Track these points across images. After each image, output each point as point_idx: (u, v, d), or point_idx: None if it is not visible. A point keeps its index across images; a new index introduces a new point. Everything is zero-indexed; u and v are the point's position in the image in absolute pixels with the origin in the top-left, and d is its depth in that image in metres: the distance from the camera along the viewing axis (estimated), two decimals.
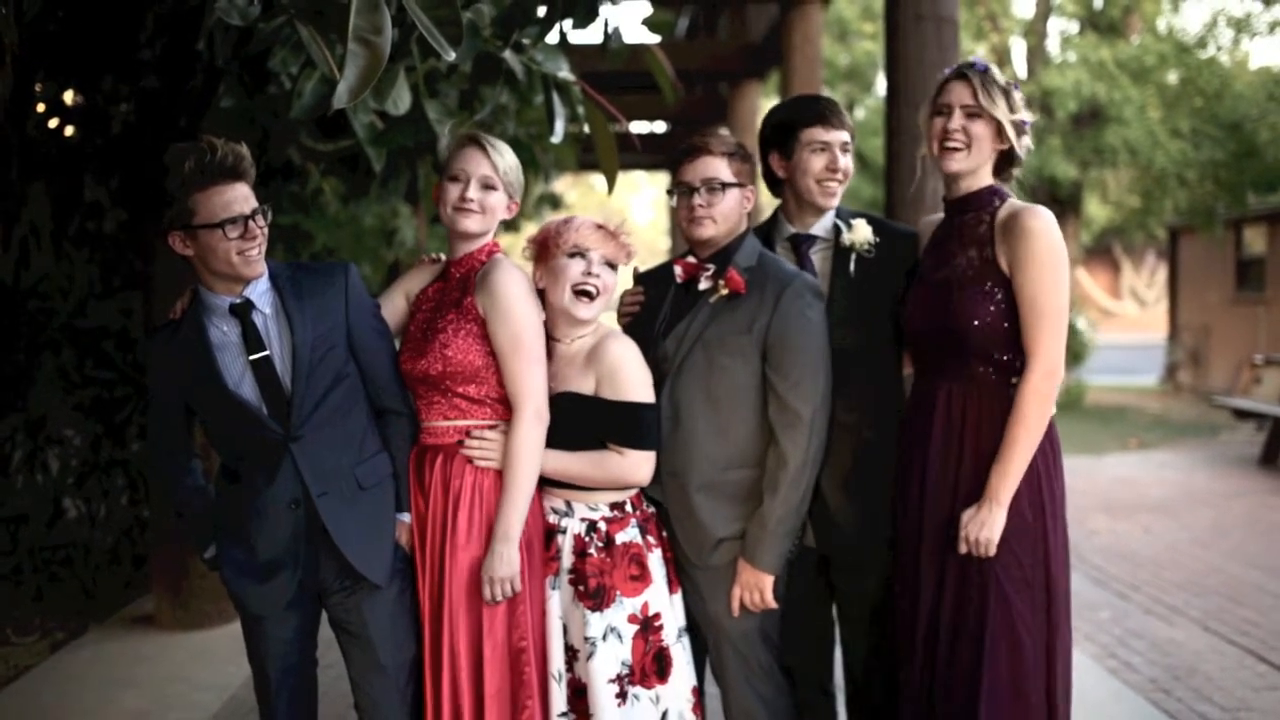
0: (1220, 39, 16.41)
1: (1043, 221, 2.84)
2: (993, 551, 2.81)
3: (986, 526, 2.81)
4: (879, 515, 3.14)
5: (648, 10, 10.06)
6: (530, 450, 2.84)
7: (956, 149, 2.93)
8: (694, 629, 3.09)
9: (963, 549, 2.85)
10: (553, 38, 4.24)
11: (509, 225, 3.19)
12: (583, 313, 2.92)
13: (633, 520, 2.95)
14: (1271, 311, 16.19)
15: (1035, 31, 17.66)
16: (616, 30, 4.86)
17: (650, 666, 2.89)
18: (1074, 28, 18.04)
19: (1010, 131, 2.92)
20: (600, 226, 2.93)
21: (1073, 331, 16.90)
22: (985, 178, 2.98)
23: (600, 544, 2.91)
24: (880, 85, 19.20)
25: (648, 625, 2.90)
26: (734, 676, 3.07)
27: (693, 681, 3.00)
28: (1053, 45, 17.96)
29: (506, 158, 2.97)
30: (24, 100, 5.31)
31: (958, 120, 2.92)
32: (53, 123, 5.77)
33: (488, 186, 2.94)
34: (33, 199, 5.94)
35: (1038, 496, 2.86)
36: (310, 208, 7.16)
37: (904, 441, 3.09)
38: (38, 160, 5.68)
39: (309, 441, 2.81)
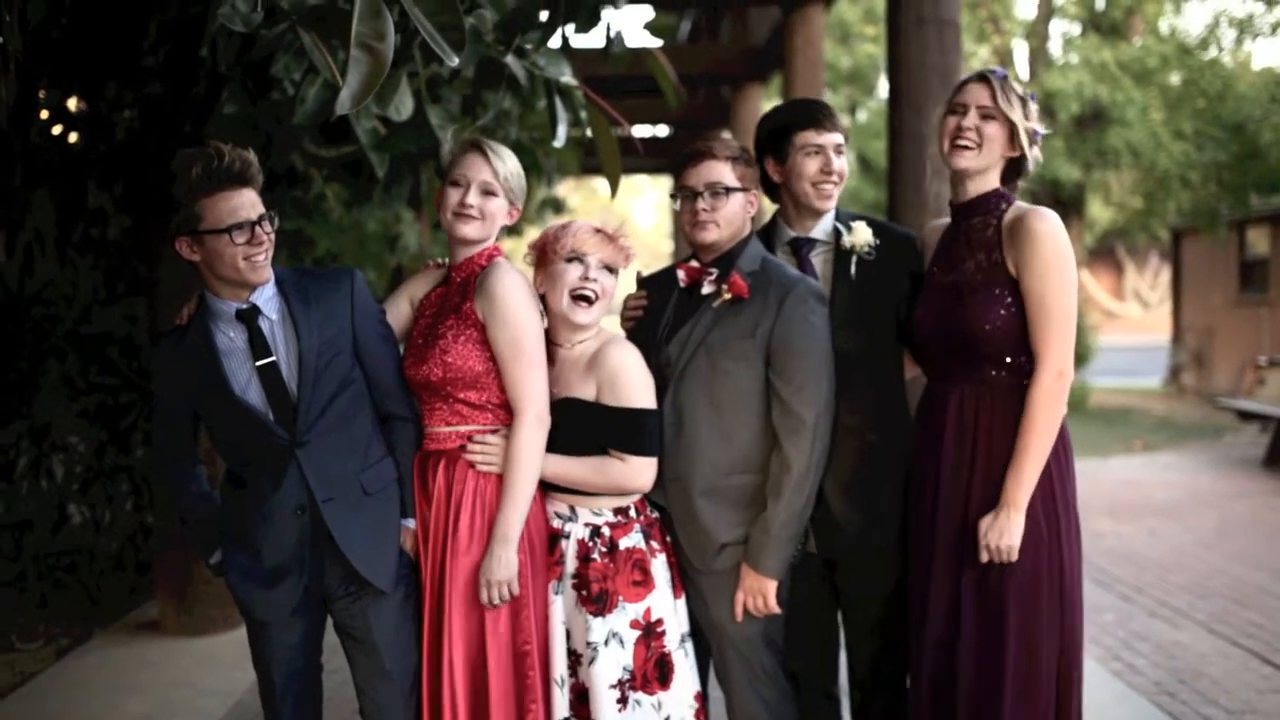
0: (1223, 40, 16.40)
1: (1049, 224, 2.84)
2: (1014, 557, 2.82)
3: (1006, 533, 2.82)
4: (883, 518, 3.14)
5: (650, 14, 10.05)
6: (530, 454, 2.84)
7: (967, 147, 2.94)
8: (698, 633, 3.09)
9: (984, 557, 2.85)
10: (555, 42, 4.25)
11: (511, 229, 3.19)
12: (581, 317, 2.92)
13: (636, 525, 2.95)
14: (1275, 313, 16.17)
15: (1037, 33, 17.67)
16: (619, 34, 4.86)
17: (652, 672, 2.89)
18: (1076, 29, 18.05)
19: (1024, 139, 2.93)
20: (598, 230, 2.93)
21: (1077, 332, 16.90)
22: (992, 181, 2.99)
23: (604, 549, 2.91)
24: (882, 88, 19.21)
25: (650, 631, 2.90)
26: (738, 681, 3.07)
27: (696, 687, 2.99)
28: (1055, 47, 17.99)
29: (508, 163, 2.97)
30: (28, 107, 5.32)
31: (972, 119, 2.93)
32: (56, 129, 5.78)
33: (488, 192, 2.94)
34: (37, 206, 5.95)
35: (1051, 500, 2.87)
36: (313, 213, 7.17)
37: (916, 447, 3.09)
38: (41, 167, 5.69)
39: (314, 447, 2.82)
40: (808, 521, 3.02)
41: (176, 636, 5.47)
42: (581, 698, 2.91)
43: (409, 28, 2.82)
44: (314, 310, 2.83)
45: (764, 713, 3.06)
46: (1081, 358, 16.98)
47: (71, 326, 6.17)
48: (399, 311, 3.09)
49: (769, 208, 3.36)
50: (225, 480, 2.95)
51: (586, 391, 2.92)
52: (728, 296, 2.97)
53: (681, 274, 3.08)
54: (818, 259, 3.21)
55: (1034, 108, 2.97)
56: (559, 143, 4.33)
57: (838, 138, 3.15)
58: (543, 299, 2.96)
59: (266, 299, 2.81)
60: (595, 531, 2.94)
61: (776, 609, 2.98)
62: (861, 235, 3.15)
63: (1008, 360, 2.89)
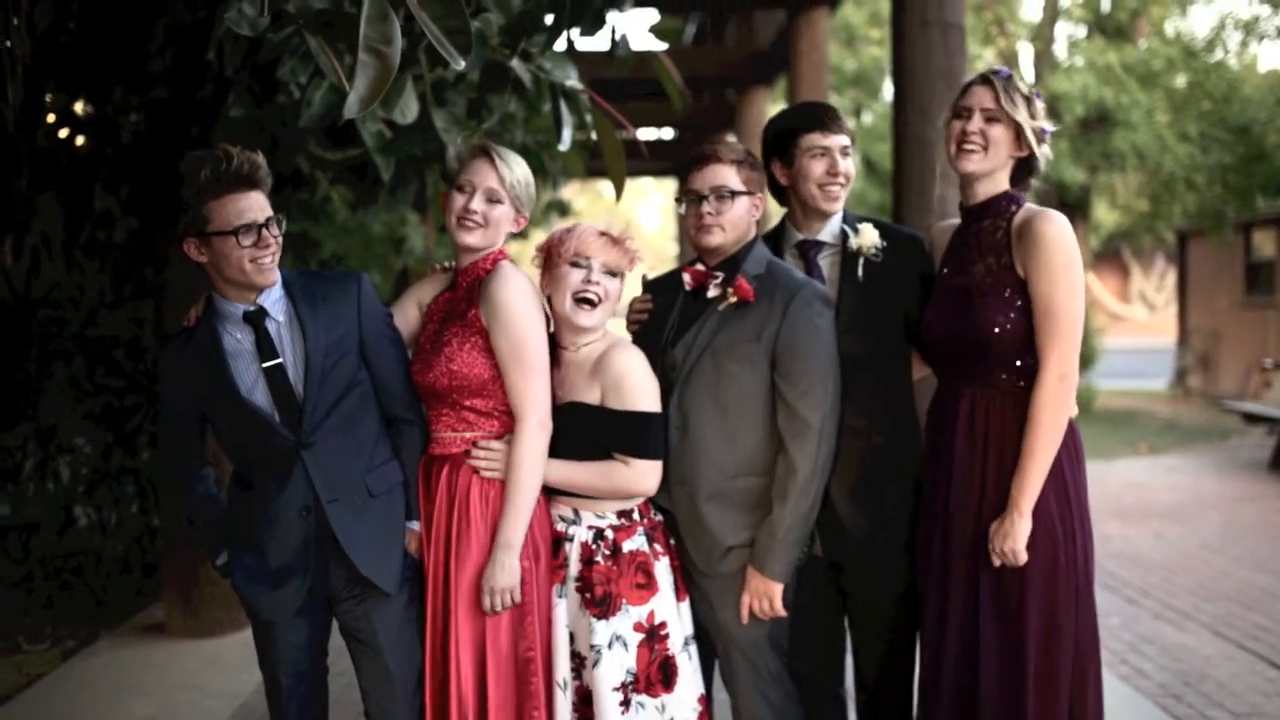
0: (1228, 42, 16.37)
1: (1057, 226, 2.85)
2: (1023, 560, 2.82)
3: (1011, 537, 2.82)
4: (889, 521, 3.14)
5: (655, 17, 10.07)
6: (533, 460, 2.84)
7: (973, 150, 2.94)
8: (702, 635, 3.09)
9: (996, 562, 2.85)
10: (560, 45, 4.25)
11: (518, 232, 3.19)
12: (584, 320, 2.92)
13: (640, 528, 2.96)
14: None
15: (1043, 36, 17.65)
16: (624, 37, 4.87)
17: (656, 675, 2.89)
18: (1081, 32, 18.03)
19: (1030, 137, 2.93)
20: (603, 233, 2.93)
21: (1082, 335, 16.87)
22: (1001, 183, 2.99)
23: (607, 552, 2.92)
24: (887, 91, 19.19)
25: (653, 634, 2.90)
26: (743, 683, 3.07)
27: (699, 690, 2.99)
28: (1060, 50, 17.94)
29: (516, 170, 2.96)
30: (35, 110, 5.34)
31: (976, 123, 2.93)
32: (63, 133, 5.79)
33: (493, 199, 2.93)
34: (43, 209, 5.97)
35: (1065, 500, 2.87)
36: (319, 215, 7.18)
37: (927, 450, 3.09)
38: (48, 170, 5.71)
39: (320, 449, 2.82)
40: (813, 524, 3.03)
41: (182, 638, 5.47)
42: (585, 700, 2.91)
43: (415, 31, 2.82)
44: (321, 312, 2.83)
45: (769, 715, 3.05)
46: (1087, 360, 16.95)
47: (78, 329, 6.19)
48: (406, 316, 3.09)
49: (775, 212, 3.37)
50: (232, 482, 2.96)
51: (591, 395, 2.92)
52: (733, 300, 2.97)
53: (687, 277, 3.09)
54: (825, 261, 3.21)
55: (1040, 105, 2.97)
56: (564, 146, 4.34)
57: (843, 140, 3.16)
58: (549, 300, 2.97)
59: (274, 301, 2.82)
60: (598, 534, 2.94)
61: (782, 612, 2.98)
62: (868, 237, 3.15)
63: (1017, 363, 2.89)
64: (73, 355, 6.17)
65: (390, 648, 2.94)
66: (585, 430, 2.92)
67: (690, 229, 3.08)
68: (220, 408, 2.84)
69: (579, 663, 2.92)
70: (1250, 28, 16.08)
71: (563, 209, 13.79)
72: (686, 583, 3.04)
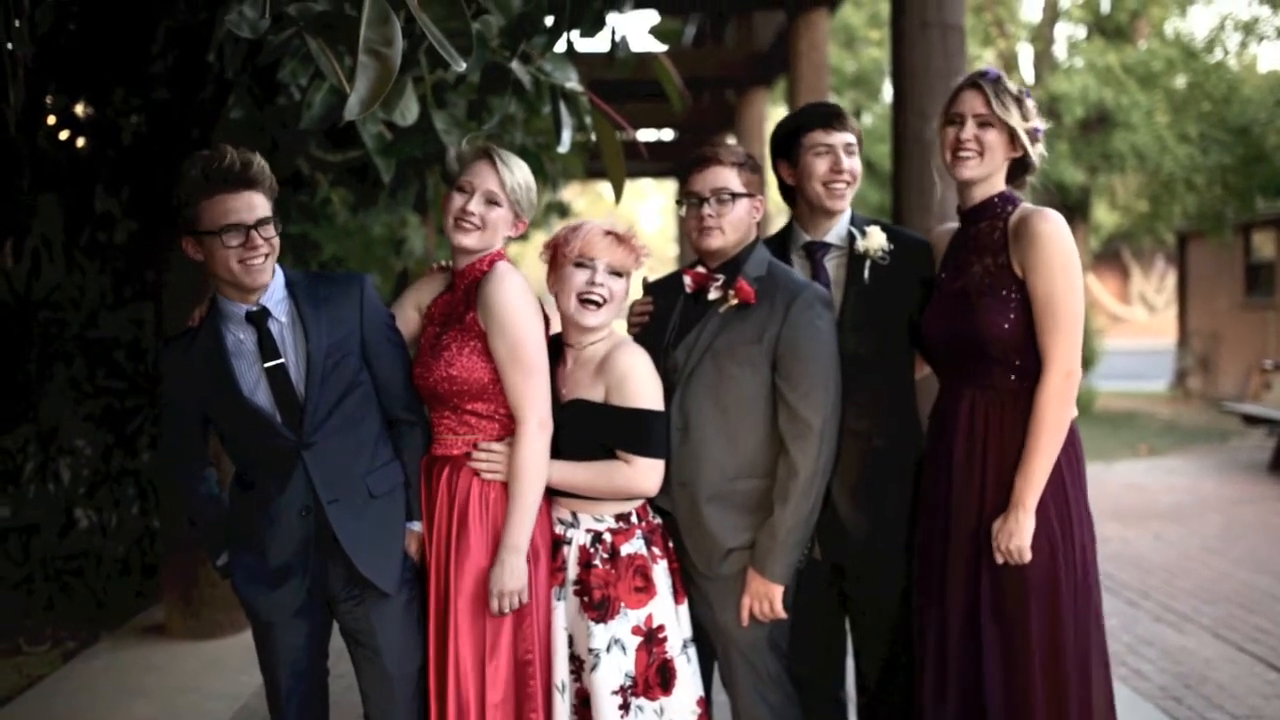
0: (1228, 43, 16.37)
1: (1053, 225, 2.85)
2: (1027, 558, 2.82)
3: (1015, 535, 2.82)
4: (890, 523, 3.14)
5: (655, 19, 10.08)
6: (535, 462, 2.85)
7: (968, 157, 2.95)
8: (701, 637, 3.09)
9: (999, 560, 2.85)
10: (560, 47, 4.26)
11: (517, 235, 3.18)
12: (588, 320, 2.92)
13: (638, 532, 2.96)
14: None
15: (1042, 37, 17.65)
16: (624, 39, 4.87)
17: (654, 678, 2.89)
18: (1081, 33, 18.03)
19: (1024, 139, 2.93)
20: (608, 233, 2.93)
21: (1083, 336, 16.86)
22: (998, 185, 3.00)
23: (605, 555, 2.92)
24: (887, 92, 19.19)
25: (652, 637, 2.90)
26: (743, 685, 3.07)
27: (698, 692, 2.99)
28: (1060, 50, 17.95)
29: (517, 174, 2.96)
30: (35, 112, 5.34)
31: (970, 129, 2.94)
32: (64, 134, 5.80)
33: (491, 202, 2.94)
34: (44, 210, 5.97)
35: (1063, 500, 2.87)
36: (319, 217, 7.19)
37: (927, 452, 3.10)
38: (49, 172, 5.71)
39: (321, 449, 2.83)
40: (814, 526, 3.03)
41: (183, 640, 5.48)
42: (585, 703, 2.91)
43: (416, 33, 2.83)
44: (323, 314, 2.84)
45: (768, 716, 3.06)
46: (1087, 361, 16.94)
47: (79, 330, 6.19)
48: (406, 318, 3.09)
49: (778, 217, 3.37)
50: (234, 482, 2.97)
51: (595, 393, 2.93)
52: (734, 302, 2.98)
53: (688, 280, 3.09)
54: (831, 263, 3.21)
55: (1031, 104, 2.97)
56: (564, 148, 4.34)
57: (848, 137, 3.16)
58: (556, 299, 2.97)
59: (276, 302, 2.83)
60: (596, 538, 2.94)
61: (783, 614, 2.99)
62: (876, 240, 3.16)
63: (1016, 363, 2.90)
64: (73, 357, 6.17)
65: (390, 649, 2.94)
66: (588, 428, 2.92)
67: (691, 231, 3.08)
68: (222, 407, 2.84)
69: (578, 665, 2.92)
70: (1250, 28, 16.08)
71: (563, 210, 13.80)
72: (686, 584, 3.04)
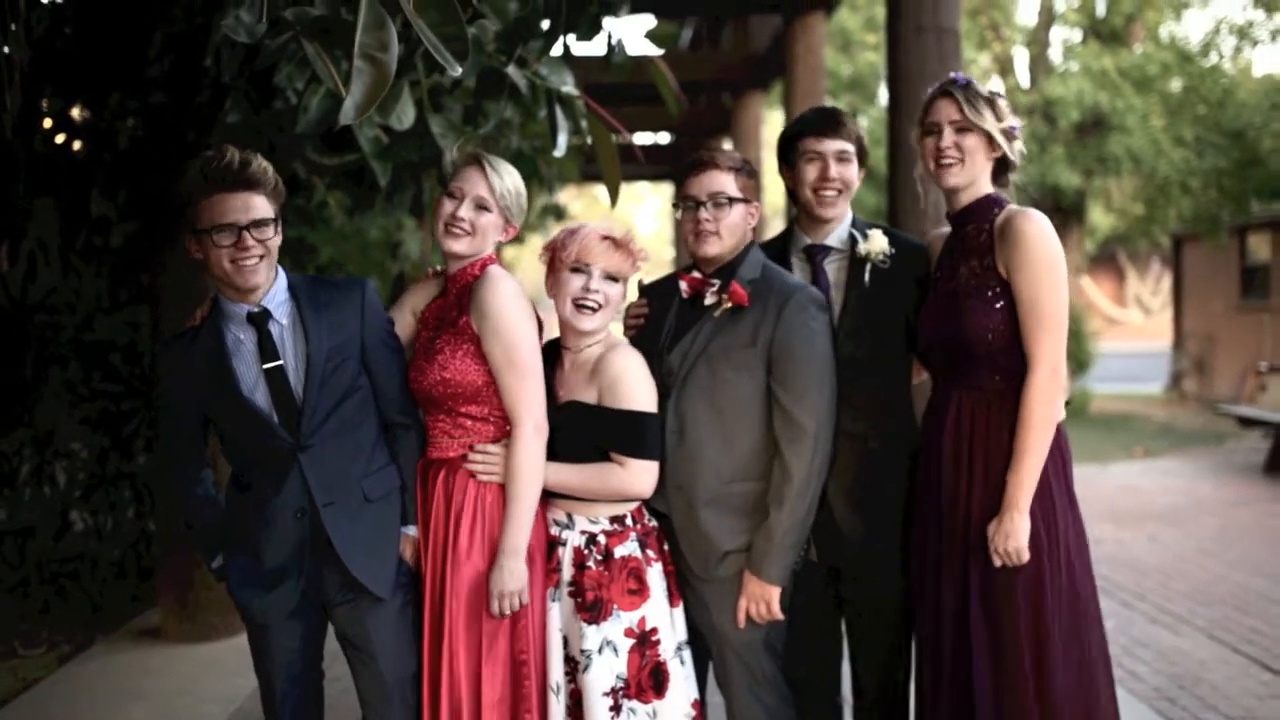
0: (1223, 47, 16.40)
1: (1037, 225, 2.87)
2: (1025, 558, 2.83)
3: (1011, 536, 2.83)
4: (886, 526, 3.15)
5: (652, 23, 10.10)
6: (531, 464, 2.86)
7: (951, 164, 2.97)
8: (698, 639, 3.10)
9: (997, 563, 2.86)
10: (556, 50, 4.27)
11: (510, 239, 3.20)
12: (584, 324, 2.93)
13: (632, 534, 2.96)
14: (1276, 319, 16.16)
15: (1038, 40, 17.68)
16: (620, 42, 4.88)
17: (646, 681, 2.89)
18: (1077, 36, 18.05)
19: (1000, 140, 2.96)
20: (605, 237, 2.94)
21: (1078, 338, 16.90)
22: (984, 187, 3.02)
23: (599, 557, 2.92)
24: (884, 96, 19.21)
25: (644, 639, 2.91)
26: (738, 687, 3.08)
27: (693, 695, 3.00)
28: (1055, 54, 17.97)
29: (507, 180, 2.98)
30: (32, 115, 5.35)
31: (948, 138, 2.96)
32: (60, 138, 5.81)
33: (481, 207, 2.96)
34: (40, 213, 5.97)
35: (1048, 501, 2.87)
36: (316, 221, 7.20)
37: (919, 451, 3.11)
38: (45, 175, 5.72)
39: (318, 451, 2.84)
40: (810, 529, 3.04)
41: (178, 643, 5.47)
42: (580, 704, 2.92)
43: (411, 38, 2.83)
44: (324, 317, 2.85)
45: (764, 718, 3.06)
46: (1083, 364, 16.99)
47: (74, 334, 6.18)
48: (403, 322, 3.11)
49: (775, 220, 3.38)
50: (230, 483, 2.98)
51: (589, 396, 2.94)
52: (728, 305, 2.98)
53: (684, 285, 3.09)
54: (831, 266, 3.22)
55: (1003, 104, 2.99)
56: (559, 152, 4.35)
57: (840, 145, 3.16)
58: (554, 301, 2.99)
59: (278, 304, 2.84)
60: (591, 540, 2.95)
61: (780, 616, 2.99)
62: (877, 243, 3.17)
63: (1003, 364, 2.90)
64: (69, 360, 6.16)
65: (385, 654, 2.94)
66: (582, 429, 2.93)
67: (687, 236, 3.08)
68: (221, 406, 2.85)
69: (573, 666, 2.93)
70: (1245, 33, 16.12)
71: (559, 213, 13.81)
72: (682, 587, 3.05)
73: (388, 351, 2.97)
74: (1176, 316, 19.70)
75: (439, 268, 3.17)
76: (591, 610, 2.88)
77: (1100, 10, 17.21)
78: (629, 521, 2.97)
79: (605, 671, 2.87)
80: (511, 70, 4.02)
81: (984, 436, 2.92)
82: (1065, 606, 2.87)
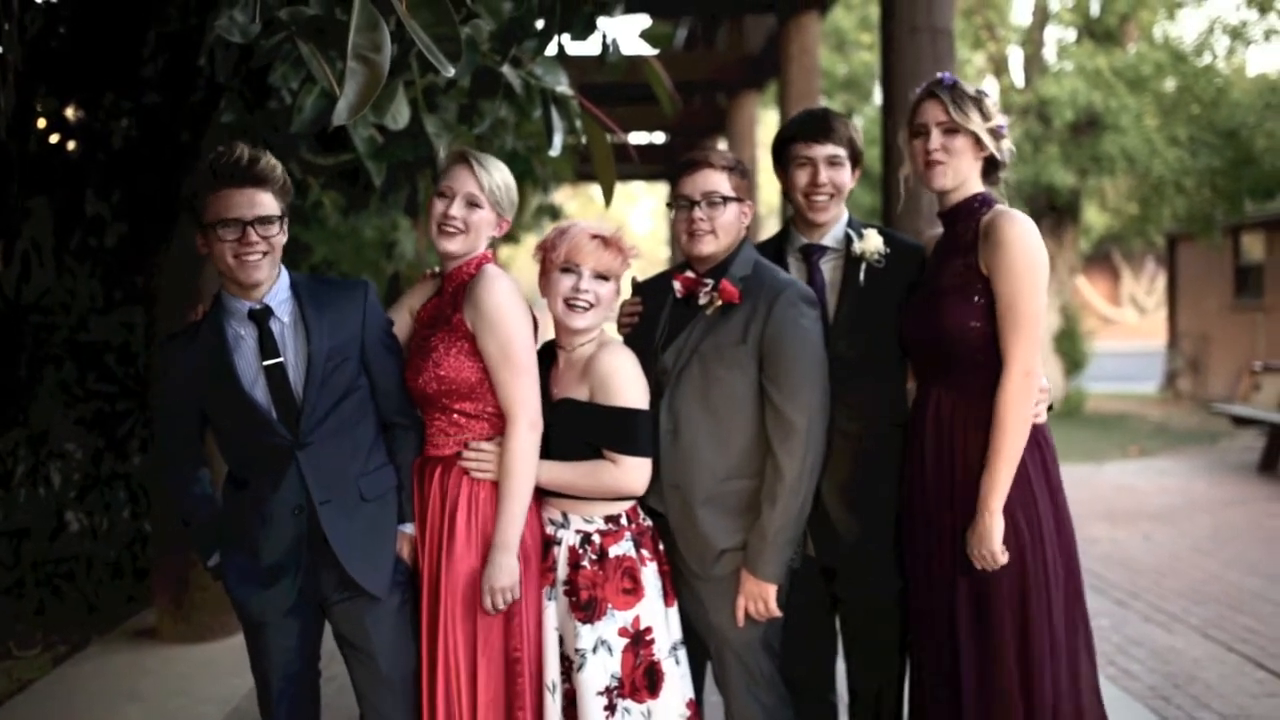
0: (1217, 47, 16.42)
1: (1019, 226, 2.87)
2: (1002, 561, 2.83)
3: (986, 539, 2.83)
4: (880, 524, 3.15)
5: (646, 23, 10.09)
6: (525, 460, 2.87)
7: (939, 163, 2.97)
8: (695, 638, 3.10)
9: (977, 565, 2.87)
10: (550, 50, 4.27)
11: (508, 236, 3.21)
12: (576, 322, 2.95)
13: (627, 534, 2.97)
14: (1270, 318, 16.21)
15: (1032, 40, 17.69)
16: (614, 42, 4.88)
17: (641, 680, 2.90)
18: (1071, 36, 18.07)
19: (987, 139, 2.96)
20: (595, 236, 2.95)
21: (1073, 338, 16.92)
22: (974, 186, 3.02)
23: (594, 557, 2.93)
24: (878, 95, 19.23)
25: (639, 639, 2.91)
26: (736, 686, 3.08)
27: (688, 695, 3.00)
28: (1050, 54, 17.99)
29: (495, 175, 2.99)
30: (26, 115, 5.34)
31: (936, 139, 2.96)
32: (54, 138, 5.80)
33: (472, 204, 2.97)
34: (34, 214, 5.96)
35: (1031, 502, 2.87)
36: (310, 221, 7.18)
37: (905, 451, 3.11)
38: (39, 175, 5.71)
39: (316, 449, 2.85)
40: (805, 526, 3.04)
41: (174, 644, 5.46)
42: (574, 703, 2.92)
43: (405, 38, 2.84)
44: (326, 317, 2.87)
45: (761, 717, 3.07)
46: (1078, 363, 17.02)
47: (69, 334, 6.17)
48: (401, 323, 3.13)
49: (770, 220, 3.39)
50: (227, 481, 2.98)
51: (581, 393, 2.95)
52: (719, 303, 2.99)
53: (677, 285, 3.09)
54: (827, 266, 3.23)
55: (990, 103, 2.99)
56: (554, 152, 4.36)
57: (830, 149, 3.16)
58: (548, 301, 3.00)
59: (280, 302, 2.86)
60: (586, 539, 2.95)
61: (777, 612, 3.00)
62: (872, 243, 3.17)
63: (982, 362, 2.90)
64: (64, 360, 6.16)
65: (384, 652, 2.95)
66: (575, 426, 2.94)
67: (681, 235, 3.09)
68: (221, 401, 2.86)
69: (568, 665, 2.93)
70: (1238, 33, 16.13)
71: (554, 213, 13.81)
72: (679, 585, 3.05)
73: (387, 352, 2.98)
74: (1171, 316, 19.75)
75: (436, 269, 3.18)
76: (586, 609, 2.89)
77: (1094, 10, 17.24)
78: (624, 521, 2.98)
79: (599, 671, 2.87)
80: (506, 70, 4.02)
81: (963, 434, 2.92)
82: (1050, 606, 2.86)
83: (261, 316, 2.83)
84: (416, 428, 3.02)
